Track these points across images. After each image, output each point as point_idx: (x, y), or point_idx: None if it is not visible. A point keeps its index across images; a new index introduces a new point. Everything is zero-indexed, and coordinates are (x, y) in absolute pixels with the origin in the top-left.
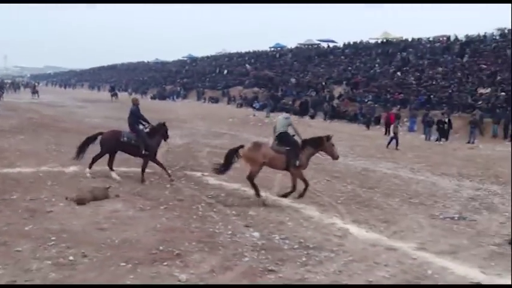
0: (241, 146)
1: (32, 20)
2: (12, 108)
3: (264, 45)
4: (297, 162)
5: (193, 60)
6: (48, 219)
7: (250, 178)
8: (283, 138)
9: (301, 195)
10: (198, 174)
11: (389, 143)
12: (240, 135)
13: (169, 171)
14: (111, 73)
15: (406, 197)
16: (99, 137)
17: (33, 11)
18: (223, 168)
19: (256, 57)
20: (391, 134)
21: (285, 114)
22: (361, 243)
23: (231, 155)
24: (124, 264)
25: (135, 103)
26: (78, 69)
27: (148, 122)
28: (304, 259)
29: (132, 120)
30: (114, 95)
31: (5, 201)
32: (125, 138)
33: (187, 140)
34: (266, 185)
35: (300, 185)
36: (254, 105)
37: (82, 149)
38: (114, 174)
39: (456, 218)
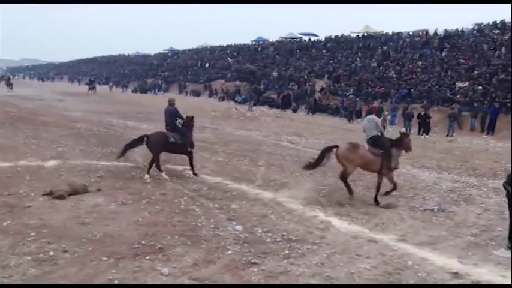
0: (336, 146)
1: (10, 12)
2: None
3: (245, 38)
4: (392, 166)
5: (174, 53)
6: (27, 214)
7: (344, 178)
8: (376, 142)
9: (388, 193)
10: (180, 168)
11: None
12: (223, 128)
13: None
14: (91, 66)
15: (387, 189)
16: (145, 139)
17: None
18: (316, 165)
19: (238, 50)
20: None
21: (368, 118)
22: (343, 236)
23: (326, 154)
24: (106, 258)
25: (172, 103)
26: (57, 62)
27: (183, 119)
28: (286, 252)
29: (172, 120)
30: (92, 88)
31: None
32: (172, 139)
33: None
34: (249, 178)
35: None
36: (236, 99)
37: (126, 150)
38: (164, 175)
39: (436, 210)
